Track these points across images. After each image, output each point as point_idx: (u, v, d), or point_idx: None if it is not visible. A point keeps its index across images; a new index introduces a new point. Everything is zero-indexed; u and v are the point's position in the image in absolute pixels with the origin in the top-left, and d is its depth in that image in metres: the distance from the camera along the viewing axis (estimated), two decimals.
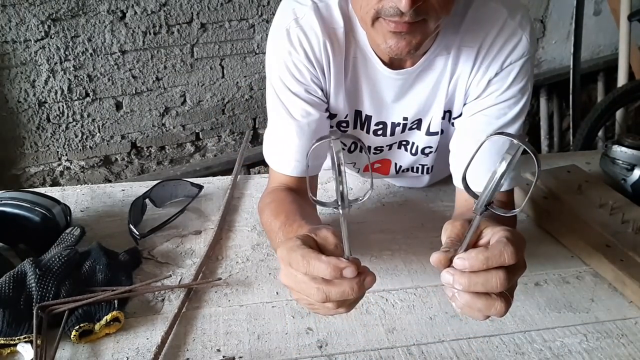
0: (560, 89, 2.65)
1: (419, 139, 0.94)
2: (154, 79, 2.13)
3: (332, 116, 0.90)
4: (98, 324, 0.73)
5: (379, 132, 0.93)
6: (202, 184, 1.05)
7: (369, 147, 0.96)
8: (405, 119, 0.91)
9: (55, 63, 1.98)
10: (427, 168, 1.00)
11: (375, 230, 0.97)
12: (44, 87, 2.00)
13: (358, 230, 0.97)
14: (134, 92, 2.13)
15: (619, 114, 2.43)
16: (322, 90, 0.86)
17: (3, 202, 0.87)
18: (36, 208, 0.87)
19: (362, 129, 0.93)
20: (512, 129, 0.85)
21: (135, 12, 2.00)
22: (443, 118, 0.90)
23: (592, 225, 0.94)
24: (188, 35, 2.10)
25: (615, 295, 0.84)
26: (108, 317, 0.74)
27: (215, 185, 1.09)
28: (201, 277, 0.85)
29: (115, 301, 0.77)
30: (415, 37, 0.72)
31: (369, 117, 0.91)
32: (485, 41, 0.82)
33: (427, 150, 0.95)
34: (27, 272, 0.77)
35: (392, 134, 0.93)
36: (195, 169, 2.18)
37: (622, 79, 2.45)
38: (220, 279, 0.84)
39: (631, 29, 2.40)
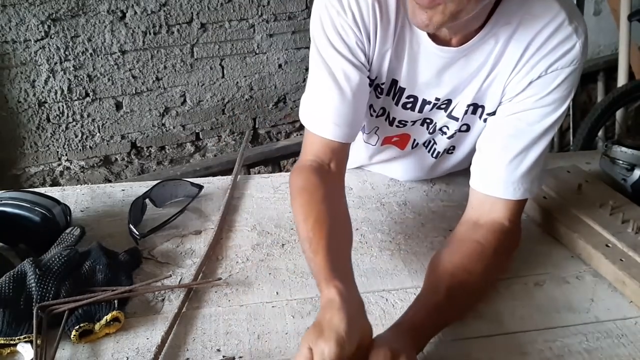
0: None
1: (440, 119, 0.94)
2: (154, 79, 2.13)
3: (372, 80, 0.90)
4: (98, 323, 0.73)
5: (408, 106, 0.92)
6: (202, 184, 1.05)
7: (394, 119, 0.95)
8: (437, 99, 0.90)
9: (55, 63, 1.98)
10: (437, 152, 0.99)
11: (375, 230, 0.97)
12: (44, 87, 2.00)
13: (358, 230, 0.97)
14: (134, 92, 2.13)
15: (618, 114, 2.42)
16: (365, 56, 0.86)
17: (3, 202, 0.87)
18: (36, 208, 0.87)
19: (393, 98, 0.92)
20: (541, 144, 0.83)
21: (135, 12, 2.00)
22: (472, 111, 0.90)
23: (592, 225, 0.94)
24: (188, 35, 2.10)
25: (616, 295, 0.84)
26: (108, 317, 0.74)
27: (215, 185, 1.09)
28: (201, 277, 0.85)
29: (115, 301, 0.77)
30: (435, 14, 0.71)
31: (402, 89, 0.90)
32: (537, 39, 0.80)
33: (444, 129, 0.95)
34: (27, 272, 0.77)
35: (421, 110, 0.92)
36: (195, 169, 2.18)
37: (622, 79, 2.45)
38: (220, 279, 0.84)
39: (631, 29, 2.40)
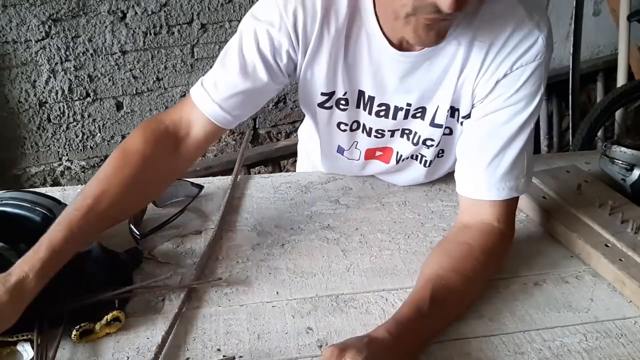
0: (560, 89, 2.65)
1: (422, 129, 0.93)
2: (155, 79, 2.13)
3: (329, 94, 0.90)
4: (98, 323, 0.73)
5: (381, 114, 0.92)
6: (202, 184, 1.06)
7: (371, 129, 0.95)
8: (408, 104, 0.90)
9: (56, 63, 1.98)
10: (427, 161, 1.00)
11: (375, 230, 0.97)
12: (44, 88, 2.00)
13: (358, 230, 0.97)
14: (135, 93, 2.13)
15: (618, 114, 2.42)
16: (293, 64, 0.86)
17: (4, 202, 0.87)
18: (37, 208, 0.87)
19: (364, 109, 0.92)
20: (517, 142, 0.83)
21: (136, 13, 2.00)
22: (451, 114, 0.89)
23: (592, 225, 0.94)
24: (188, 36, 2.10)
25: (615, 295, 0.85)
26: (108, 316, 0.74)
27: (216, 185, 1.09)
28: (201, 277, 0.85)
29: (116, 301, 0.77)
30: (445, 27, 0.72)
31: (371, 98, 0.91)
32: (498, 38, 0.80)
33: (428, 142, 0.95)
34: None
35: (395, 117, 0.92)
36: (196, 169, 2.18)
37: (621, 79, 2.45)
38: (220, 278, 0.85)
39: (630, 29, 2.40)
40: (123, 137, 2.19)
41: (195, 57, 2.15)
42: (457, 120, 0.91)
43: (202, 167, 2.19)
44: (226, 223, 0.98)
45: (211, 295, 0.82)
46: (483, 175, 0.85)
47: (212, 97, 0.86)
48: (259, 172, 2.33)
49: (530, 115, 0.83)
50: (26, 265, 0.70)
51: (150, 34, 2.05)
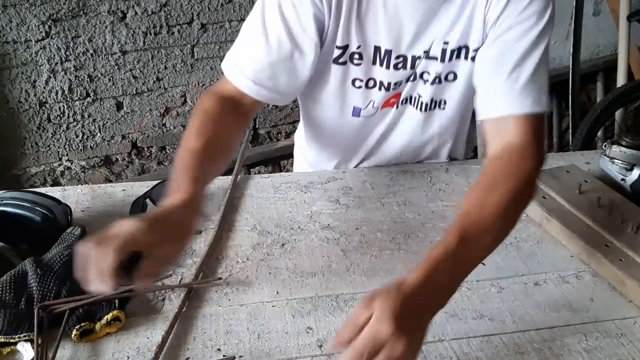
0: (560, 89, 2.65)
1: (432, 67, 0.95)
2: (155, 79, 2.14)
3: (343, 48, 0.91)
4: (99, 323, 0.74)
5: (399, 66, 0.93)
6: None
7: (389, 84, 0.96)
8: (425, 51, 0.91)
9: (56, 63, 1.98)
10: (424, 104, 0.99)
11: (375, 230, 0.97)
12: (44, 88, 2.00)
13: (358, 230, 0.97)
14: (135, 93, 2.13)
15: (618, 114, 2.42)
16: (320, 26, 0.87)
17: (4, 202, 0.87)
18: (37, 208, 0.87)
19: (381, 65, 0.93)
20: (534, 56, 0.84)
21: (136, 13, 2.00)
22: (457, 55, 0.91)
23: (592, 225, 0.94)
24: (188, 36, 2.10)
25: (615, 294, 0.85)
26: (109, 316, 0.74)
27: (216, 185, 1.09)
28: (201, 277, 0.85)
29: (116, 301, 0.77)
30: None
31: (388, 52, 0.91)
32: None
33: (424, 76, 0.96)
34: (28, 271, 0.77)
35: (413, 66, 0.94)
36: None
37: (621, 79, 2.45)
38: (220, 278, 0.85)
39: (630, 29, 2.40)
40: (123, 137, 2.19)
41: (196, 57, 2.15)
42: (467, 58, 0.92)
43: None
44: (226, 223, 0.98)
45: (211, 295, 0.82)
46: (503, 89, 0.84)
47: (245, 73, 0.88)
48: (259, 172, 2.34)
49: (543, 30, 0.84)
50: (177, 193, 0.71)
51: (150, 34, 2.05)
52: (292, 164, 2.43)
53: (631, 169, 1.06)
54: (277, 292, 0.83)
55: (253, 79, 0.88)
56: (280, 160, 2.33)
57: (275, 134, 2.46)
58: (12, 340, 0.71)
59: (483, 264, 0.87)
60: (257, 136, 2.42)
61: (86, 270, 0.62)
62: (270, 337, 0.75)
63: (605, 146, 1.13)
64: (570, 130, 2.52)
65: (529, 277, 0.87)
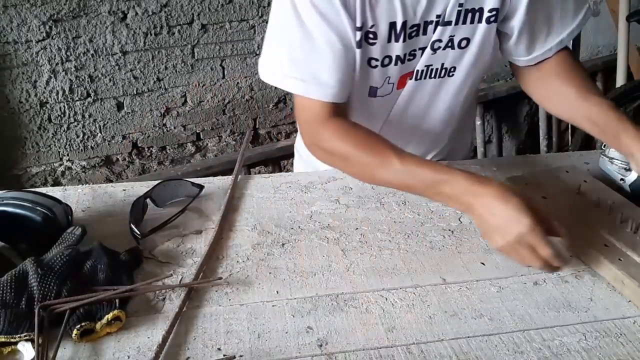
0: None
1: (441, 32, 0.96)
2: (155, 79, 2.14)
3: (359, 28, 0.91)
4: (99, 323, 0.74)
5: (413, 35, 0.94)
6: (202, 184, 1.06)
7: (405, 55, 0.96)
8: (438, 16, 0.93)
9: (57, 64, 1.98)
10: (435, 69, 1.00)
11: (375, 230, 0.97)
12: (45, 88, 2.01)
13: (358, 230, 0.97)
14: (135, 93, 2.14)
15: None
16: (350, 12, 0.88)
17: (5, 201, 0.88)
18: (38, 208, 0.87)
19: (397, 40, 0.93)
20: None
21: (136, 13, 2.01)
22: (471, 19, 0.94)
23: (591, 224, 0.95)
24: (189, 36, 2.11)
25: (614, 294, 0.85)
26: (109, 316, 0.74)
27: (216, 185, 1.09)
28: (202, 277, 0.86)
29: (117, 300, 0.77)
30: None
31: (404, 23, 0.92)
32: None
33: (436, 46, 0.96)
34: (28, 271, 0.77)
35: (425, 32, 0.95)
36: (196, 169, 2.19)
37: (620, 80, 2.45)
38: (220, 278, 0.85)
39: (630, 30, 2.40)
40: (124, 137, 2.19)
41: (196, 58, 2.15)
42: (480, 21, 0.94)
43: (203, 167, 2.20)
44: (226, 223, 0.99)
45: (211, 295, 0.83)
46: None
47: (323, 83, 0.90)
48: (259, 172, 2.34)
49: None
50: (470, 186, 0.81)
51: (151, 35, 2.06)
52: (292, 164, 2.44)
53: (630, 169, 1.06)
54: (277, 292, 0.83)
55: (334, 85, 0.90)
56: (280, 160, 2.33)
57: (275, 134, 2.47)
58: (12, 340, 0.71)
59: (482, 263, 0.88)
60: (257, 136, 2.43)
61: None
62: (270, 337, 0.76)
63: (604, 146, 1.13)
64: (570, 131, 2.52)
65: (528, 277, 0.88)
